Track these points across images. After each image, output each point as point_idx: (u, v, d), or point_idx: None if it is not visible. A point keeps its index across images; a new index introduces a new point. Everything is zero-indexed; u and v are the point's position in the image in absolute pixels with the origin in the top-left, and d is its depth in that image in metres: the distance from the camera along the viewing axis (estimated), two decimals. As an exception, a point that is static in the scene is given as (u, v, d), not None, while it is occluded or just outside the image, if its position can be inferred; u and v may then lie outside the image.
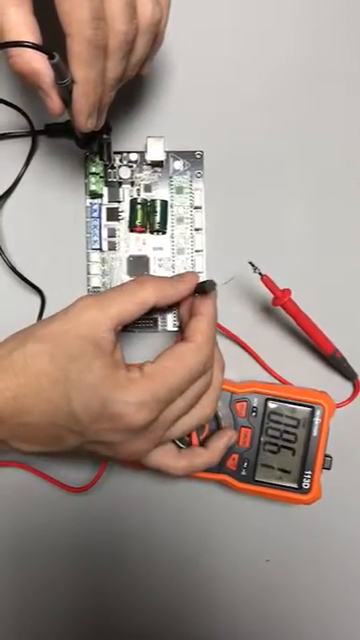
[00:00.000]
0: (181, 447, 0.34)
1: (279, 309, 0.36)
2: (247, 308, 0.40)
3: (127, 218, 0.39)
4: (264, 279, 0.35)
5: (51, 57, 0.26)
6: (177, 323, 0.39)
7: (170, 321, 0.39)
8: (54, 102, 0.29)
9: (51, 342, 0.29)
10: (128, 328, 0.38)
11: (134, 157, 0.39)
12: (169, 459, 0.32)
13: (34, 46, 0.26)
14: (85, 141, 0.37)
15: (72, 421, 0.28)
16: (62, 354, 0.28)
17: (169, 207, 0.39)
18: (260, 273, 0.35)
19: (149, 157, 0.38)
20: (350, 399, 0.39)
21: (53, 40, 0.27)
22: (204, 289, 0.32)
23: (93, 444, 0.29)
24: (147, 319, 0.39)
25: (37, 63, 0.27)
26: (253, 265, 0.35)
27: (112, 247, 0.39)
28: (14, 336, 0.30)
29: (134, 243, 0.39)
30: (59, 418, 0.28)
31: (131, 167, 0.39)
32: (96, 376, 0.28)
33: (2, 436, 0.29)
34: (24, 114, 0.38)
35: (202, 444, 0.36)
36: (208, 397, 0.32)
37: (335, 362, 0.39)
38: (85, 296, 0.30)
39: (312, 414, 0.37)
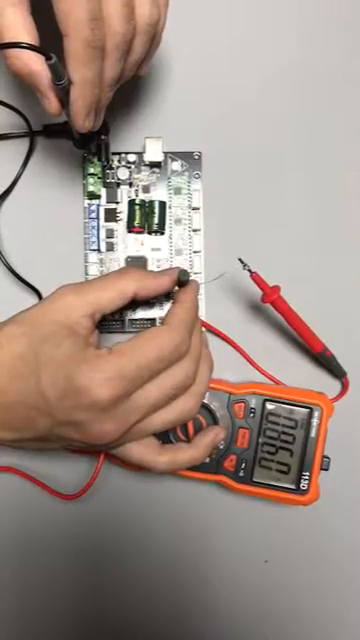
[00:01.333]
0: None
1: (270, 307, 0.36)
2: (238, 305, 0.40)
3: (125, 219, 0.39)
4: (253, 276, 0.35)
5: (48, 58, 0.26)
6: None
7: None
8: (52, 103, 0.29)
9: (27, 325, 0.29)
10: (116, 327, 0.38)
11: (132, 158, 0.39)
12: (150, 454, 0.32)
13: (31, 47, 0.26)
14: (83, 142, 0.37)
15: (41, 400, 0.28)
16: (36, 336, 0.29)
17: (167, 208, 0.39)
18: (249, 270, 0.35)
19: (147, 158, 0.38)
20: (338, 397, 0.39)
21: (50, 40, 0.27)
22: (180, 281, 0.32)
23: (63, 426, 0.28)
24: (144, 320, 0.39)
25: (34, 64, 0.27)
26: (242, 262, 0.35)
27: (110, 248, 0.39)
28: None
29: (132, 244, 0.39)
30: (29, 397, 0.28)
31: (129, 168, 0.39)
32: (63, 353, 0.28)
33: None
34: (22, 115, 0.38)
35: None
36: (190, 392, 0.31)
37: (324, 360, 0.39)
38: (65, 284, 0.31)
39: (310, 415, 0.37)
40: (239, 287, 0.40)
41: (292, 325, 0.37)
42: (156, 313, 0.39)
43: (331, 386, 0.40)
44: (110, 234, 0.39)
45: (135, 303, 0.33)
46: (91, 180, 0.39)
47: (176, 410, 0.31)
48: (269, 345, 0.40)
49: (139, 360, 0.28)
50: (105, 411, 0.28)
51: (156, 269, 0.39)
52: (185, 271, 0.33)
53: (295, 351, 0.40)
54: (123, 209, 0.39)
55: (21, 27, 0.27)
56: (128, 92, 0.40)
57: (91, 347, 0.29)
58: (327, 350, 0.38)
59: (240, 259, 0.35)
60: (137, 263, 0.39)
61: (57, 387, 0.27)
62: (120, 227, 0.39)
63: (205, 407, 0.36)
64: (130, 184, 0.39)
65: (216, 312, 0.39)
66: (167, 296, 0.39)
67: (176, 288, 0.34)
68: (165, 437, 0.36)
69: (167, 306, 0.39)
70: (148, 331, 0.30)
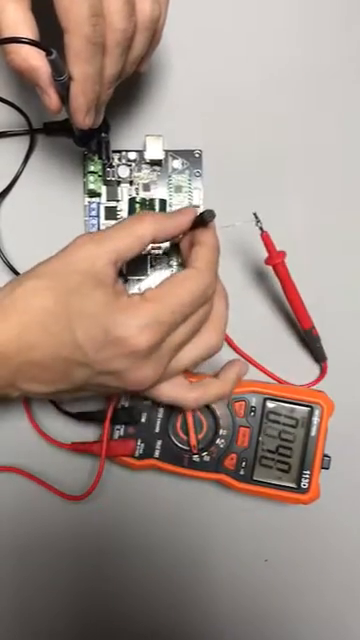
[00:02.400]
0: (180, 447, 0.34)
1: (266, 278, 0.36)
2: (235, 270, 0.40)
3: (126, 217, 0.39)
4: (264, 236, 0.35)
5: (49, 53, 0.26)
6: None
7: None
8: (52, 99, 0.29)
9: (50, 278, 0.29)
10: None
11: (133, 156, 0.39)
12: (181, 391, 0.32)
13: (31, 42, 0.25)
14: (83, 139, 0.37)
15: (77, 352, 0.28)
16: (62, 288, 0.28)
17: (168, 206, 0.39)
18: (261, 228, 0.34)
19: (148, 156, 0.38)
20: (315, 382, 0.39)
21: (51, 36, 0.27)
22: (204, 219, 0.31)
23: (101, 376, 0.29)
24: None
25: (34, 60, 0.27)
26: (257, 217, 0.34)
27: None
28: (15, 278, 0.30)
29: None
30: (64, 351, 0.28)
31: (130, 166, 0.39)
32: (97, 304, 0.28)
33: (9, 377, 0.28)
34: (22, 112, 0.38)
35: (200, 450, 0.36)
36: (211, 324, 0.32)
37: (309, 339, 0.39)
38: (83, 233, 0.30)
39: (311, 414, 0.37)
40: (240, 255, 0.40)
41: (287, 295, 0.37)
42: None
43: (309, 369, 0.40)
44: (110, 232, 0.39)
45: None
46: (91, 178, 0.39)
47: (203, 346, 0.32)
48: (258, 320, 0.40)
49: (173, 305, 0.29)
50: (144, 358, 0.28)
51: (157, 268, 0.39)
52: (211, 211, 0.31)
53: (281, 329, 0.40)
54: (123, 207, 0.39)
55: (22, 23, 0.27)
56: (129, 90, 0.40)
57: (122, 295, 0.29)
58: (314, 329, 0.38)
59: (255, 214, 0.34)
60: (137, 261, 0.39)
61: (94, 338, 0.27)
62: (120, 225, 0.39)
63: (205, 406, 0.36)
64: (130, 182, 0.39)
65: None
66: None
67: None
68: (167, 439, 0.36)
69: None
70: (178, 276, 0.30)
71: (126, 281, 0.39)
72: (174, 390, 0.32)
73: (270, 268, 0.36)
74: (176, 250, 0.39)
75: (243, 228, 0.34)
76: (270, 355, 0.39)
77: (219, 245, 0.32)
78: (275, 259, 0.35)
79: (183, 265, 0.36)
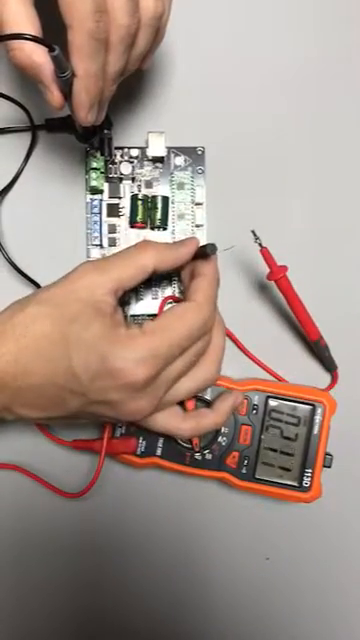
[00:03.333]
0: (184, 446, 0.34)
1: (268, 292, 0.36)
2: (237, 286, 0.40)
3: (128, 214, 0.39)
4: (263, 251, 0.35)
5: (51, 50, 0.25)
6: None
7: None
8: (54, 95, 0.29)
9: (51, 305, 0.29)
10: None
11: (135, 153, 0.39)
12: (175, 421, 0.32)
13: (34, 38, 0.25)
14: (86, 136, 0.37)
15: (73, 381, 0.28)
16: (62, 316, 0.28)
17: (170, 203, 0.39)
18: (260, 244, 0.34)
19: (150, 153, 0.38)
20: (326, 390, 0.39)
21: (53, 32, 0.27)
22: (205, 252, 0.32)
23: (95, 405, 0.29)
24: (146, 316, 0.39)
25: (37, 56, 0.27)
26: (255, 234, 0.34)
27: (112, 243, 0.39)
28: (16, 302, 0.30)
29: (134, 239, 0.39)
30: (60, 378, 0.28)
31: (132, 163, 0.39)
32: (95, 334, 0.28)
33: (5, 402, 0.29)
34: (24, 108, 0.38)
35: (202, 448, 0.36)
36: (209, 357, 0.32)
37: (318, 350, 0.39)
38: (85, 261, 0.31)
39: (313, 412, 0.37)
40: (242, 265, 0.39)
41: (292, 308, 0.37)
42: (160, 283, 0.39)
43: (322, 378, 0.40)
44: (112, 229, 0.39)
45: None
46: (93, 175, 0.38)
47: (200, 378, 0.32)
48: (265, 333, 0.40)
49: (171, 339, 0.29)
50: (139, 391, 0.28)
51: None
52: (214, 245, 0.31)
53: (289, 340, 0.40)
54: (126, 204, 0.39)
55: (24, 19, 0.27)
56: (131, 86, 0.39)
57: (121, 327, 0.29)
58: (322, 339, 0.38)
59: (253, 231, 0.34)
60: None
61: (90, 368, 0.28)
62: (122, 222, 0.39)
63: (207, 403, 0.36)
64: (133, 179, 0.39)
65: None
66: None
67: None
68: (169, 437, 0.36)
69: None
70: (177, 309, 0.30)
71: (125, 315, 0.38)
72: (168, 421, 0.32)
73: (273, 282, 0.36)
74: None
75: (244, 242, 0.34)
76: (280, 366, 0.39)
77: (218, 278, 0.33)
78: (277, 274, 0.35)
79: (183, 294, 0.36)
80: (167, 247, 0.32)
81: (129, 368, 0.27)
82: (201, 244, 0.32)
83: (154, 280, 0.39)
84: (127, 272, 0.30)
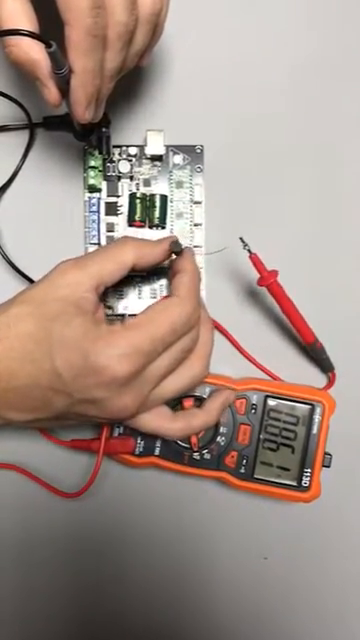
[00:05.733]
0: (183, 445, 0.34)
1: (264, 294, 0.36)
2: (232, 288, 0.39)
3: (126, 213, 0.39)
4: (252, 257, 0.34)
5: (48, 46, 0.25)
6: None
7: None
8: (51, 92, 0.29)
9: (33, 305, 0.29)
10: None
11: (133, 151, 0.39)
12: (164, 421, 0.32)
13: (31, 34, 0.25)
14: (84, 134, 0.37)
15: (56, 380, 0.28)
16: (44, 315, 0.28)
17: (168, 202, 0.39)
18: (249, 250, 0.34)
19: (149, 151, 0.38)
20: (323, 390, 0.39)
21: (50, 29, 0.27)
22: (174, 251, 0.32)
23: (80, 404, 0.28)
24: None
25: (34, 52, 0.27)
26: (243, 241, 0.34)
27: (110, 242, 0.39)
28: (1, 303, 0.30)
29: (133, 238, 0.39)
30: (44, 378, 0.28)
31: (130, 161, 0.39)
32: (77, 332, 0.28)
33: None
34: (22, 106, 0.38)
35: (201, 448, 0.36)
36: (196, 354, 0.32)
37: (314, 352, 0.38)
38: (65, 259, 0.31)
39: (312, 412, 0.36)
40: (235, 272, 0.39)
41: (285, 312, 0.36)
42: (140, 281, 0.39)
43: (318, 379, 0.40)
44: (111, 228, 0.39)
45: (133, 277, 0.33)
46: (92, 173, 0.38)
47: (186, 376, 0.31)
48: (258, 332, 0.39)
49: (154, 333, 0.29)
50: (123, 386, 0.28)
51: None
52: (177, 242, 0.32)
53: (285, 342, 0.40)
54: (124, 203, 0.39)
55: (21, 15, 0.27)
56: (130, 84, 0.39)
57: (102, 323, 0.29)
58: (318, 342, 0.38)
59: (241, 238, 0.34)
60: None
61: (73, 366, 0.27)
62: (121, 221, 0.39)
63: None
64: (131, 177, 0.39)
65: (211, 297, 0.39)
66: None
67: (173, 256, 0.34)
68: (170, 441, 0.36)
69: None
70: (159, 304, 0.30)
71: (109, 307, 0.38)
72: (156, 421, 0.32)
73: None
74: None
75: (237, 246, 0.34)
76: (278, 368, 0.39)
77: (198, 271, 0.33)
78: (267, 279, 0.35)
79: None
80: (146, 244, 0.32)
81: (112, 364, 0.27)
82: (191, 245, 0.32)
83: (139, 280, 0.39)
84: (107, 268, 0.30)
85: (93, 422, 0.31)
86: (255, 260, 0.34)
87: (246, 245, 0.34)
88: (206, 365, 0.32)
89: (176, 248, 0.32)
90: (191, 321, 0.30)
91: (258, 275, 0.35)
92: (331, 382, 0.39)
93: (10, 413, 0.29)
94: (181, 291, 0.31)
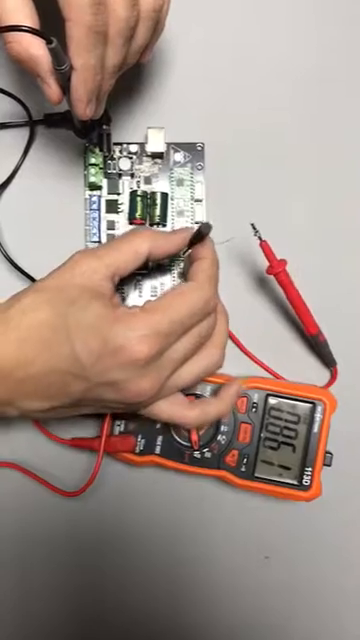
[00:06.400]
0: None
1: (267, 288, 0.36)
2: (234, 283, 0.39)
3: (127, 210, 0.39)
4: (263, 244, 0.34)
5: (49, 42, 0.25)
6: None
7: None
8: (52, 89, 0.28)
9: (48, 292, 0.29)
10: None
11: (134, 148, 0.39)
12: (180, 409, 0.32)
13: (32, 30, 0.25)
14: (84, 131, 0.37)
15: (75, 364, 0.27)
16: (60, 300, 0.28)
17: (169, 200, 0.39)
18: (260, 237, 0.34)
19: (149, 148, 0.38)
20: (326, 387, 0.39)
21: (51, 25, 0.27)
22: (201, 235, 0.32)
23: (98, 388, 0.28)
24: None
25: (35, 49, 0.27)
26: (255, 228, 0.34)
27: (113, 238, 0.39)
28: (14, 294, 0.30)
29: (133, 236, 0.39)
30: (62, 363, 0.28)
31: (131, 158, 0.39)
32: (94, 315, 0.28)
33: (7, 395, 0.28)
34: (22, 103, 0.38)
35: (201, 446, 0.36)
36: (213, 343, 0.32)
37: (317, 345, 0.38)
38: (80, 250, 0.31)
39: (313, 410, 0.36)
40: (237, 266, 0.39)
41: (291, 302, 0.36)
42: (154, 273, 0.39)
43: (321, 374, 0.40)
44: (111, 226, 0.39)
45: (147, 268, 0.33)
46: (92, 171, 0.38)
47: (203, 362, 0.31)
48: (263, 331, 0.39)
49: (172, 316, 0.29)
50: (142, 368, 0.28)
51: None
52: (208, 224, 0.32)
53: (287, 339, 0.40)
54: (124, 200, 0.39)
55: (21, 12, 0.27)
56: (131, 81, 0.39)
57: (120, 307, 0.29)
58: (321, 334, 0.37)
59: (252, 225, 0.34)
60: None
61: (92, 349, 0.27)
62: (121, 219, 0.39)
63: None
64: (132, 175, 0.39)
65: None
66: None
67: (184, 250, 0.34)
68: (168, 435, 0.36)
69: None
70: (178, 288, 0.30)
71: (123, 300, 0.38)
72: (173, 409, 0.32)
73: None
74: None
75: (244, 238, 0.34)
76: (279, 361, 0.39)
77: (218, 260, 0.32)
78: (276, 268, 0.35)
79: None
80: (161, 234, 0.32)
81: (131, 345, 0.27)
82: (203, 227, 0.32)
83: (139, 278, 0.39)
84: (122, 257, 0.30)
85: (109, 409, 0.31)
86: (265, 248, 0.34)
87: (257, 232, 0.34)
88: (222, 353, 0.32)
89: (206, 230, 0.31)
90: (209, 307, 0.30)
91: (264, 266, 0.35)
92: (333, 378, 0.39)
93: (26, 402, 0.29)
94: (200, 277, 0.31)
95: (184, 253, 0.33)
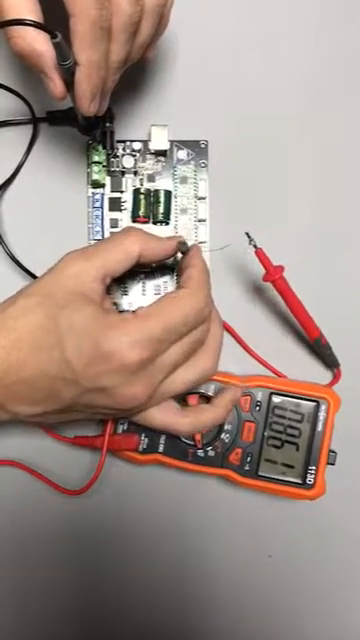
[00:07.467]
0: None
1: (269, 290, 0.36)
2: (237, 285, 0.39)
3: (130, 208, 0.39)
4: (258, 252, 0.34)
5: (53, 36, 0.25)
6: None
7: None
8: (56, 85, 0.28)
9: (40, 296, 0.29)
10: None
11: (137, 146, 0.38)
12: (174, 416, 0.32)
13: (36, 24, 0.25)
14: (88, 128, 0.37)
15: (66, 369, 0.27)
16: (52, 305, 0.28)
17: (173, 197, 0.39)
18: (255, 245, 0.34)
19: (153, 146, 0.37)
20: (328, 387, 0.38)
21: (55, 21, 0.27)
22: (180, 250, 0.32)
23: (89, 393, 0.28)
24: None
25: (38, 44, 0.27)
26: (249, 236, 0.34)
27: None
28: (5, 299, 0.30)
29: (137, 234, 0.39)
30: (53, 368, 0.27)
31: (134, 156, 0.39)
32: (86, 320, 0.28)
33: None
34: (25, 101, 0.38)
35: (205, 445, 0.36)
36: (207, 349, 0.32)
37: (319, 348, 0.38)
38: (71, 251, 0.30)
39: (317, 409, 0.36)
40: (239, 269, 0.39)
41: (290, 308, 0.36)
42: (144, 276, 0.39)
43: (323, 375, 0.39)
44: (114, 224, 0.39)
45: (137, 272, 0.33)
46: (95, 168, 0.38)
47: (197, 370, 0.31)
48: (265, 332, 0.39)
49: (166, 323, 0.28)
50: (134, 374, 0.28)
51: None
52: (184, 242, 0.32)
53: (289, 339, 0.39)
54: (128, 198, 0.39)
55: (25, 5, 0.27)
56: (134, 79, 0.39)
57: (112, 312, 0.29)
58: (323, 337, 0.37)
59: (247, 233, 0.34)
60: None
61: (83, 354, 0.27)
62: (125, 217, 0.39)
63: (210, 400, 0.36)
64: (135, 173, 0.39)
65: (215, 294, 0.38)
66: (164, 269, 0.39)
67: (179, 255, 0.34)
68: (174, 438, 0.36)
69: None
70: (170, 294, 0.30)
71: (114, 304, 0.38)
72: (166, 416, 0.32)
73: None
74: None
75: (243, 241, 0.34)
76: (282, 364, 0.39)
77: (207, 267, 0.32)
78: (273, 275, 0.35)
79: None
80: (152, 237, 0.32)
81: (123, 350, 0.27)
82: (196, 241, 0.33)
83: (143, 276, 0.38)
84: (113, 258, 0.30)
85: (101, 415, 0.31)
86: (261, 255, 0.34)
87: (252, 240, 0.34)
88: (216, 360, 0.32)
89: (183, 248, 0.32)
90: (202, 313, 0.30)
91: (263, 271, 0.35)
92: (336, 378, 0.39)
93: (18, 406, 0.29)
94: (192, 284, 0.31)
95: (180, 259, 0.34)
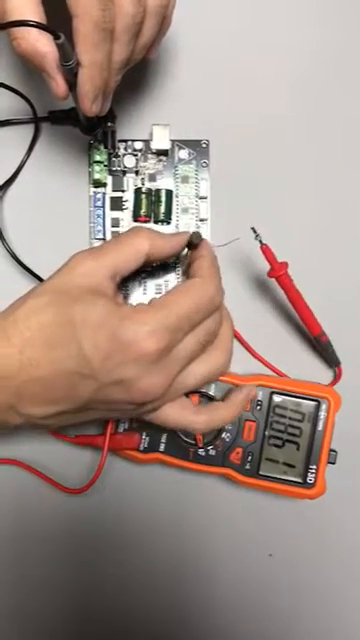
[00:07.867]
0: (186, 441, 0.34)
1: (270, 289, 0.36)
2: (238, 283, 0.39)
3: (131, 208, 0.39)
4: (263, 248, 0.34)
5: (56, 37, 0.25)
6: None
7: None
8: (59, 85, 0.28)
9: (50, 295, 0.28)
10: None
11: (139, 145, 0.39)
12: (188, 414, 0.32)
13: (39, 25, 0.25)
14: (89, 128, 0.37)
15: (83, 363, 0.27)
16: (63, 302, 0.28)
17: (174, 197, 0.39)
18: (260, 241, 0.34)
19: (154, 146, 0.38)
20: (330, 386, 0.39)
21: (57, 22, 0.27)
22: (191, 243, 0.33)
23: (107, 388, 0.28)
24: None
25: (41, 44, 0.27)
26: (255, 231, 0.34)
27: (118, 235, 0.38)
28: (15, 301, 0.30)
29: (138, 233, 0.39)
30: (69, 363, 0.27)
31: (136, 156, 0.39)
32: (101, 313, 0.28)
33: (9, 399, 0.27)
34: (27, 100, 0.38)
35: (206, 444, 0.36)
36: (217, 345, 0.32)
37: (320, 346, 0.38)
38: (79, 251, 0.30)
39: (317, 408, 0.36)
40: (241, 267, 0.39)
41: (293, 304, 0.36)
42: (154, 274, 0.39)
43: (324, 374, 0.40)
44: (116, 223, 0.39)
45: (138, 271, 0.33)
46: (97, 168, 0.38)
47: (210, 364, 0.31)
48: (266, 331, 0.39)
49: (179, 311, 0.29)
50: (152, 364, 0.28)
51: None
52: (199, 233, 0.32)
53: (291, 338, 0.39)
54: (129, 198, 0.39)
55: (28, 6, 0.27)
56: (136, 79, 0.39)
57: (125, 305, 0.29)
58: (324, 335, 0.37)
59: (253, 228, 0.34)
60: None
61: (100, 347, 0.27)
62: (126, 216, 0.39)
63: (211, 399, 0.36)
64: (136, 172, 0.39)
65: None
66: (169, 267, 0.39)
67: (185, 251, 0.34)
68: (172, 432, 0.36)
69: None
70: (182, 285, 0.30)
71: (125, 298, 0.38)
72: (181, 414, 0.32)
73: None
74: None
75: (245, 239, 0.34)
76: (283, 362, 0.39)
77: (216, 257, 0.33)
78: (278, 271, 0.35)
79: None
80: (160, 235, 0.32)
81: (140, 339, 0.27)
82: (193, 236, 0.33)
83: (144, 276, 0.38)
84: (122, 257, 0.30)
85: (117, 413, 0.31)
86: (266, 251, 0.34)
87: (258, 235, 0.34)
88: (229, 356, 0.33)
89: (196, 240, 0.32)
90: (214, 301, 0.30)
91: (267, 268, 0.35)
92: (337, 377, 0.39)
93: (31, 407, 0.28)
94: (202, 272, 0.31)
95: (185, 255, 0.34)
